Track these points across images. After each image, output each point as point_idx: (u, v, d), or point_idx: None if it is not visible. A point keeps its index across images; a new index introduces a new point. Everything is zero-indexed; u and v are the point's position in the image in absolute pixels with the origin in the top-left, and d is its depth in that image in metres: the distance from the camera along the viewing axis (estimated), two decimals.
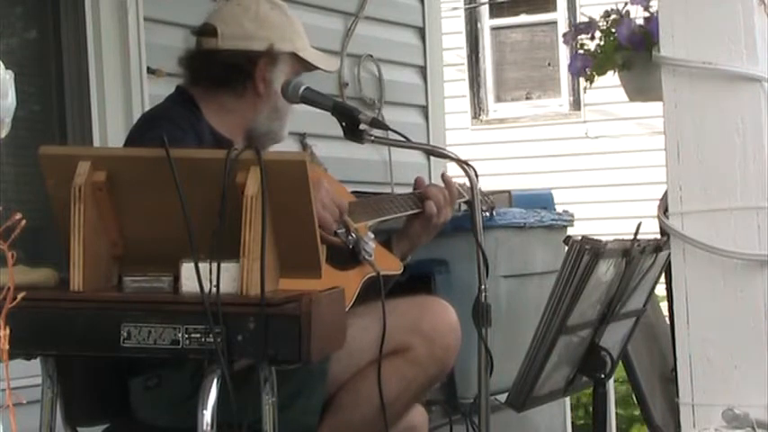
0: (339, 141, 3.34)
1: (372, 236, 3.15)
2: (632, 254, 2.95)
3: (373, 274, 3.07)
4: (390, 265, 3.20)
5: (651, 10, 3.43)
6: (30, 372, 2.64)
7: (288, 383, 2.61)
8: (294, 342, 2.28)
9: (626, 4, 3.50)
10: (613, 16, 3.52)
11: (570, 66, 3.65)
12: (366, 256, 3.08)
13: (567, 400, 5.11)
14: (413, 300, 3.10)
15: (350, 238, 3.06)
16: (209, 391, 2.34)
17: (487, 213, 3.66)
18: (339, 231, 3.05)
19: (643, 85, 3.43)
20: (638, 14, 3.47)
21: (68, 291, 2.37)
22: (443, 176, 3.38)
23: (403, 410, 3.07)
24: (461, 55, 12.18)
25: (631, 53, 3.44)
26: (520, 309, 4.49)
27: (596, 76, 3.55)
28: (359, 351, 2.91)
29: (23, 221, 1.64)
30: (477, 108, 12.24)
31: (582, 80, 3.68)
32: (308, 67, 3.19)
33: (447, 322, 3.06)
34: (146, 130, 3.04)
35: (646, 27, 3.39)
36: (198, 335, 2.29)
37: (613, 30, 3.50)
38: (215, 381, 2.33)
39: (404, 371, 2.99)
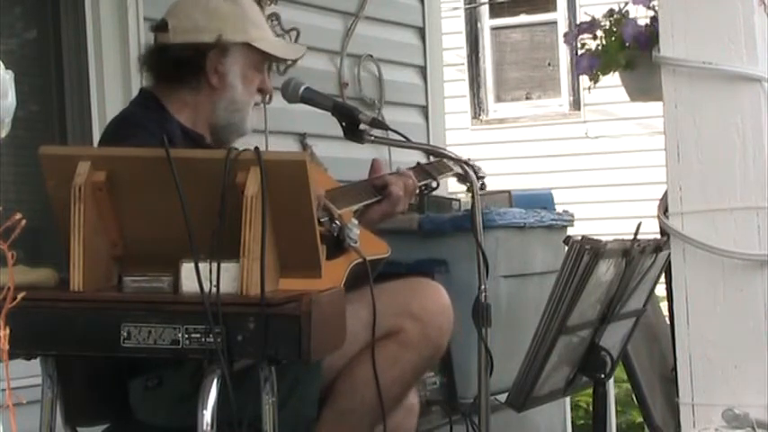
0: (339, 141, 3.34)
1: (356, 222, 3.14)
2: (632, 254, 2.95)
3: (360, 260, 3.06)
4: (377, 249, 3.18)
5: (656, 9, 3.42)
6: (30, 372, 2.64)
7: (284, 377, 2.61)
8: (294, 342, 2.28)
9: (626, 3, 3.50)
10: (616, 16, 3.51)
11: (577, 65, 3.64)
12: (351, 243, 3.06)
13: (567, 400, 5.11)
14: (402, 282, 3.09)
15: (334, 225, 3.05)
16: (209, 391, 2.34)
17: (480, 184, 3.64)
18: (323, 220, 3.04)
19: (646, 84, 3.43)
20: (638, 14, 3.47)
21: (68, 291, 2.37)
22: (399, 170, 3.37)
23: (401, 393, 3.07)
24: (461, 55, 12.18)
25: (635, 53, 3.43)
26: (520, 309, 4.49)
27: (601, 76, 3.54)
28: (351, 337, 2.89)
29: (23, 221, 1.64)
30: (477, 108, 12.24)
31: (584, 80, 3.67)
32: (267, 56, 3.17)
33: (438, 303, 3.06)
34: (113, 137, 3.01)
35: (652, 26, 3.39)
36: (198, 335, 2.29)
37: (615, 29, 3.49)
38: (215, 381, 2.33)
39: (398, 354, 2.99)
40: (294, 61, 3.32)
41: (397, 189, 3.29)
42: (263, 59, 3.16)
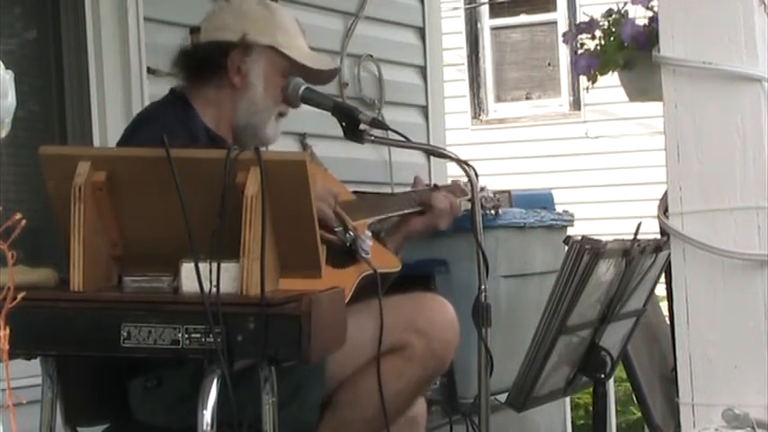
0: (339, 141, 3.34)
1: (370, 234, 3.16)
2: (632, 254, 2.95)
3: (370, 271, 3.07)
4: (388, 263, 3.19)
5: (655, 9, 3.42)
6: (30, 372, 2.64)
7: (286, 381, 2.61)
8: (294, 342, 2.28)
9: (625, 3, 3.50)
10: (615, 16, 3.51)
11: (575, 65, 3.64)
12: (363, 254, 3.08)
13: (567, 400, 5.11)
14: (409, 297, 3.10)
15: (347, 236, 3.06)
16: (209, 391, 2.34)
17: (493, 212, 3.66)
18: (337, 229, 3.05)
19: (645, 84, 3.43)
20: (637, 14, 3.47)
21: (68, 291, 2.37)
22: (450, 197, 3.39)
23: (403, 407, 3.07)
24: (461, 55, 12.18)
25: (633, 53, 3.43)
26: (520, 309, 4.49)
27: (599, 76, 3.54)
28: (357, 349, 2.91)
29: (23, 221, 1.64)
30: (477, 108, 12.24)
31: (584, 80, 3.67)
32: (295, 65, 3.17)
33: (444, 318, 3.06)
34: (134, 132, 3.05)
35: (650, 26, 3.39)
36: (198, 335, 2.29)
37: (614, 29, 3.49)
38: (215, 381, 2.33)
39: (402, 368, 2.99)
40: (327, 80, 3.30)
41: (440, 203, 3.31)
42: (290, 67, 3.16)
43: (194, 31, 3.21)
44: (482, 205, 3.28)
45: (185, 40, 3.26)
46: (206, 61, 3.12)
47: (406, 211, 3.34)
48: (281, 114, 3.20)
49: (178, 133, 2.96)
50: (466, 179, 3.22)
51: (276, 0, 3.42)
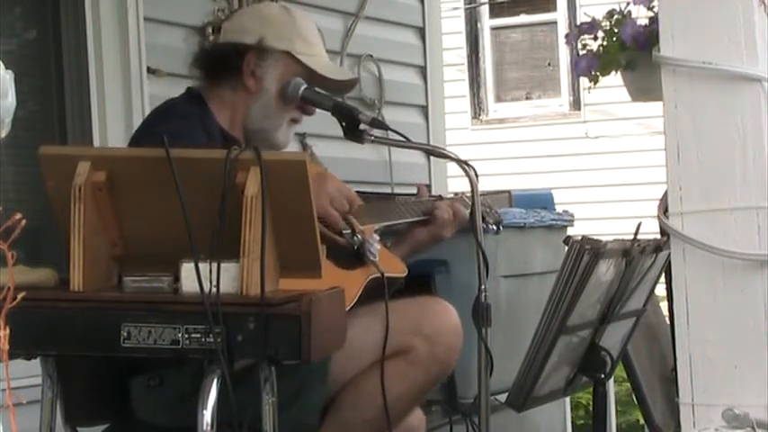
0: (339, 141, 3.34)
1: (378, 238, 3.16)
2: (632, 254, 2.95)
3: (377, 274, 3.07)
4: (395, 268, 3.20)
5: (655, 10, 3.43)
6: (30, 372, 2.64)
7: (288, 382, 2.61)
8: (294, 342, 2.28)
9: (628, 4, 3.50)
10: (617, 16, 3.52)
11: (576, 66, 3.64)
12: (371, 257, 3.09)
13: (567, 400, 5.11)
14: (414, 301, 3.10)
15: (355, 238, 3.07)
16: (209, 391, 2.34)
17: (494, 227, 3.66)
18: (345, 232, 3.06)
19: (646, 85, 3.43)
20: (639, 14, 3.47)
21: (68, 291, 2.37)
22: (453, 206, 3.39)
23: (405, 411, 3.07)
24: (461, 55, 12.18)
25: (635, 53, 3.43)
26: (520, 309, 4.50)
27: (600, 77, 3.54)
28: (361, 351, 2.91)
29: (23, 221, 1.64)
30: (477, 108, 12.24)
31: (585, 80, 3.67)
32: (311, 73, 3.17)
33: (448, 323, 3.06)
34: (155, 123, 3.07)
35: (651, 26, 3.39)
36: (198, 335, 2.29)
37: (616, 30, 3.49)
38: (215, 381, 2.33)
39: (406, 371, 2.99)
40: (344, 90, 3.29)
41: (442, 213, 3.31)
42: (305, 75, 3.16)
43: (215, 30, 3.21)
44: (483, 218, 3.28)
45: (185, 39, 3.28)
46: (223, 62, 3.13)
47: (412, 219, 3.34)
48: (294, 120, 3.21)
49: (196, 128, 2.97)
50: (468, 187, 3.22)
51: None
